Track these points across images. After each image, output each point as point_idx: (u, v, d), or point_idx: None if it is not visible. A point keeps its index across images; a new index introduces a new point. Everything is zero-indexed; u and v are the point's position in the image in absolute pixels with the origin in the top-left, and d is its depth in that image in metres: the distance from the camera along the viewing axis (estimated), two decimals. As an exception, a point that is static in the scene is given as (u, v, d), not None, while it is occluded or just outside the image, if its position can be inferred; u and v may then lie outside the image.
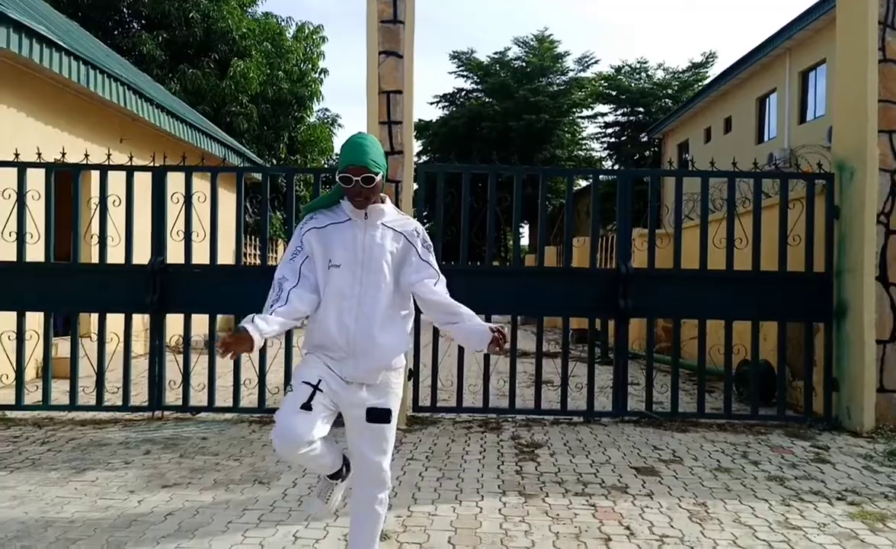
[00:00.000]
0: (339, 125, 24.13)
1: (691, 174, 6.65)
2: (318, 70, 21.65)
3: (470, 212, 6.45)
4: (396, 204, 6.15)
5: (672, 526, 3.86)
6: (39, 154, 6.49)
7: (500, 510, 4.09)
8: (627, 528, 3.83)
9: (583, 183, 30.72)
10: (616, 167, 34.44)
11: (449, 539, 3.64)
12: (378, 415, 2.73)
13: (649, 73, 34.99)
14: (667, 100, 33.37)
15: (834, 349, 6.35)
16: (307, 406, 2.64)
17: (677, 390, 6.47)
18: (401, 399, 2.86)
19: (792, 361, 6.98)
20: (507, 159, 28.67)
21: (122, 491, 4.36)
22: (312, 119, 22.45)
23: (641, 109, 34.51)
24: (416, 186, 7.86)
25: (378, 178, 2.68)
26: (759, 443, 5.73)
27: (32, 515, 3.92)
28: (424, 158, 37.71)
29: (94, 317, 6.53)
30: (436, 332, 6.75)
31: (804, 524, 3.92)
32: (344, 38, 59.99)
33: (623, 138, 35.96)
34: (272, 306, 2.64)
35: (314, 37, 21.88)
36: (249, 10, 21.56)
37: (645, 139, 32.43)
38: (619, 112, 35.91)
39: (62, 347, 8.19)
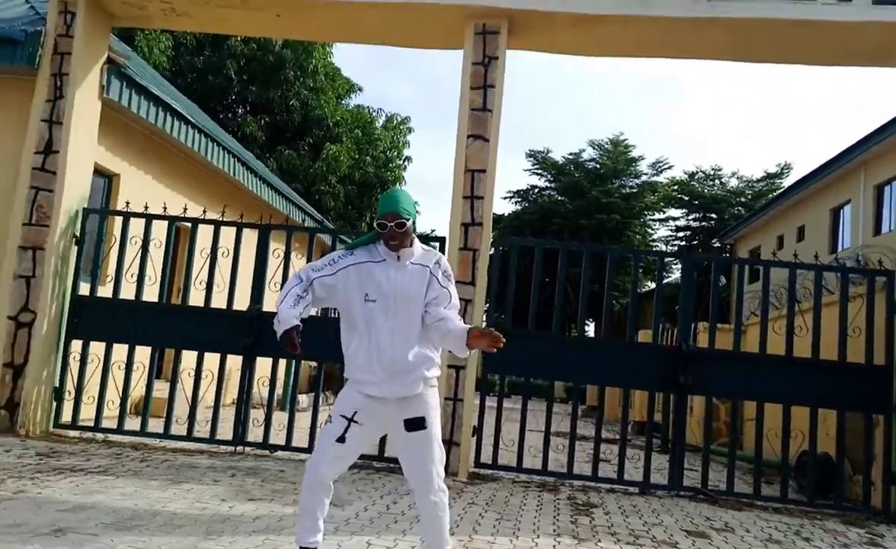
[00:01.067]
0: (417, 211, 25.24)
1: (752, 262, 7.01)
2: (403, 157, 23.05)
3: (539, 285, 6.97)
4: (473, 270, 6.75)
5: (716, 574, 4.10)
6: (165, 208, 7.42)
7: (554, 546, 4.41)
8: (673, 570, 4.09)
9: (650, 285, 30.88)
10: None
11: (506, 559, 4.00)
12: (414, 423, 3.12)
13: (723, 180, 35.22)
14: (740, 208, 33.40)
15: (893, 443, 6.43)
16: (341, 439, 3.14)
17: (734, 470, 6.64)
18: (439, 413, 3.26)
19: (852, 454, 7.04)
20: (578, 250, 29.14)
21: (214, 499, 4.90)
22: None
23: (714, 215, 34.57)
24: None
25: (409, 223, 3.13)
26: (814, 526, 5.83)
27: (141, 507, 4.50)
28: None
29: (193, 355, 7.23)
30: (500, 397, 7.17)
31: (847, 586, 4.09)
32: (423, 130, 62.85)
33: (694, 242, 35.94)
34: (298, 302, 3.15)
35: (401, 127, 23.38)
36: (344, 102, 23.29)
37: (717, 244, 32.38)
38: (690, 217, 36.06)
39: (158, 387, 8.95)
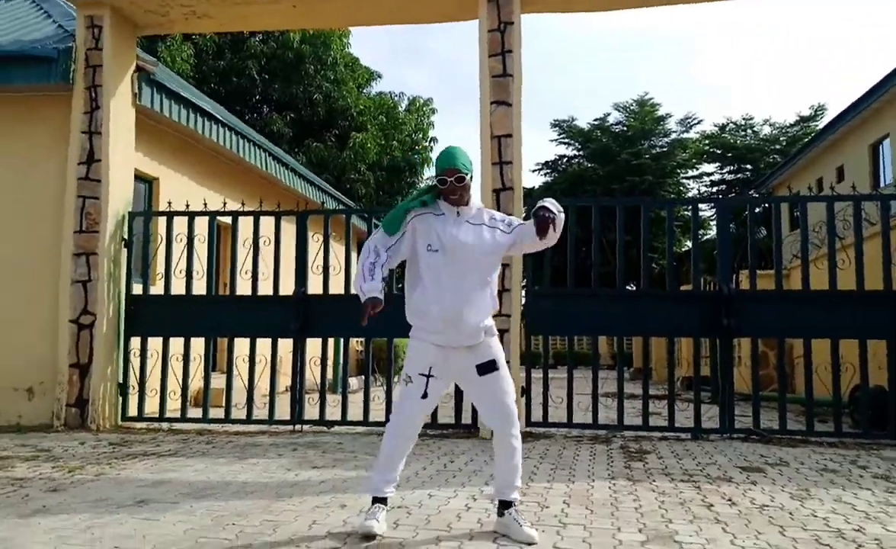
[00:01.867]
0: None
1: (786, 200, 6.98)
2: (429, 138, 23.18)
3: (575, 242, 7.03)
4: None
5: (773, 501, 4.17)
6: (206, 204, 7.67)
7: (609, 488, 4.53)
8: (730, 500, 4.18)
9: (688, 244, 30.56)
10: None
11: (564, 502, 4.13)
12: (486, 367, 3.34)
13: (755, 129, 34.53)
14: (775, 155, 32.75)
15: (946, 367, 6.38)
16: (425, 395, 3.34)
17: (785, 408, 6.66)
18: (505, 364, 3.44)
19: (905, 384, 6.98)
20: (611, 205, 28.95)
21: (280, 469, 5.13)
22: (423, 185, 23.89)
23: (749, 166, 33.96)
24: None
25: (468, 178, 3.32)
26: (870, 455, 5.83)
27: (213, 479, 4.74)
28: (528, 223, 38.32)
29: (247, 342, 7.49)
30: (546, 354, 7.28)
31: (905, 502, 4.13)
32: (448, 118, 62.65)
33: (731, 195, 35.38)
34: (374, 270, 3.33)
35: (424, 108, 23.48)
36: (365, 90, 23.47)
37: (754, 195, 31.85)
38: (725, 170, 35.46)
39: (214, 379, 9.26)
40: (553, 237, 3.34)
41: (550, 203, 3.30)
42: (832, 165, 22.03)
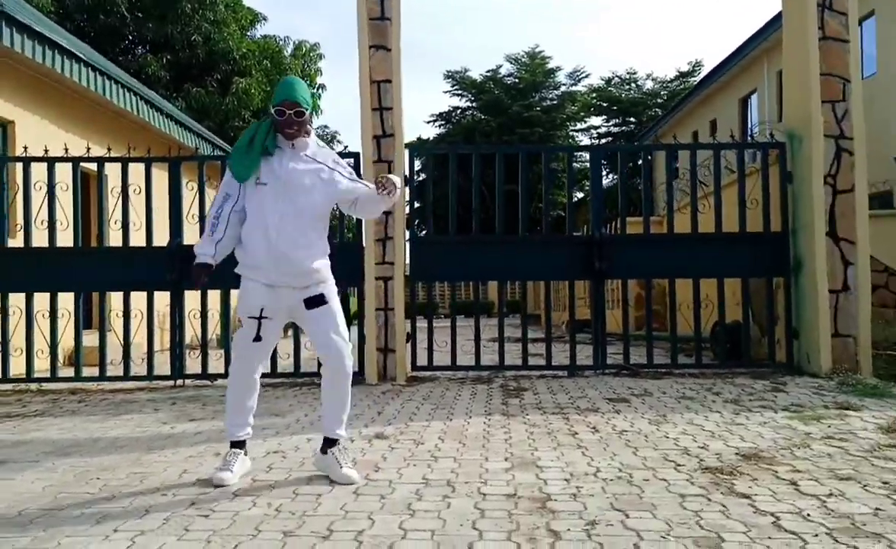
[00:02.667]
0: (338, 141, 24.98)
1: (656, 147, 7.32)
2: (316, 86, 22.51)
3: (457, 189, 7.12)
4: (390, 181, 6.82)
5: (632, 426, 4.48)
6: (67, 149, 7.18)
7: (484, 423, 4.70)
8: (594, 428, 4.44)
9: (579, 195, 31.61)
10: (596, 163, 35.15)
11: (439, 437, 4.26)
12: (314, 301, 3.29)
13: (639, 83, 35.86)
14: (657, 109, 34.17)
15: (793, 301, 6.97)
16: (258, 338, 3.27)
17: (652, 345, 7.11)
18: (338, 298, 3.44)
19: (758, 319, 7.60)
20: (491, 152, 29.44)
21: (155, 423, 4.99)
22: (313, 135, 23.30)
23: (633, 119, 35.32)
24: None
25: (307, 113, 3.25)
26: (724, 383, 6.33)
27: (81, 437, 4.55)
28: (423, 176, 38.43)
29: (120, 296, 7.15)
30: (430, 301, 7.40)
31: (747, 423, 4.53)
32: (340, 64, 61.10)
33: (603, 143, 36.73)
34: (216, 226, 3.27)
35: (311, 54, 22.78)
36: (249, 33, 22.44)
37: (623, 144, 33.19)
38: (610, 123, 36.73)
39: (88, 337, 8.81)
40: (389, 201, 3.34)
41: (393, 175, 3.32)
42: (706, 118, 23.27)
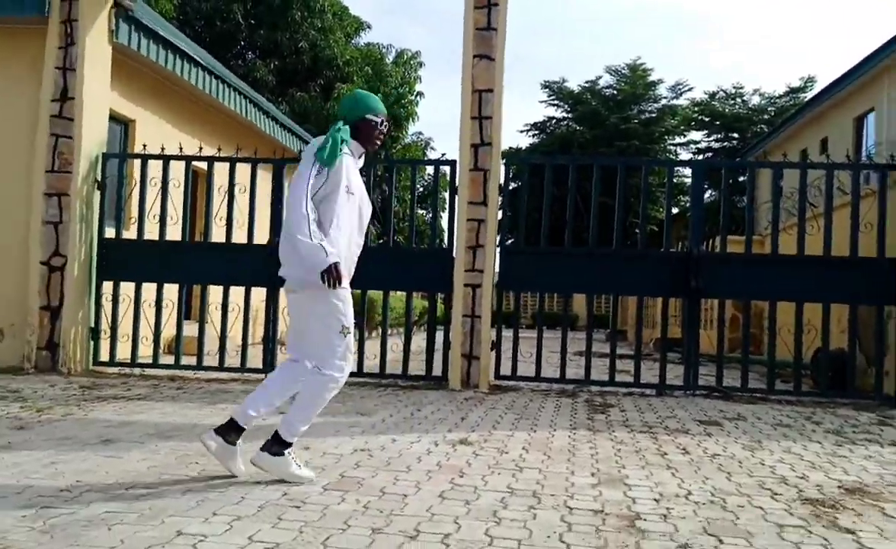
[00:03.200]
0: (432, 148, 25.29)
1: (760, 165, 7.05)
2: (415, 93, 22.94)
3: (551, 200, 7.07)
4: (484, 190, 6.87)
5: (725, 450, 4.31)
6: (181, 148, 7.60)
7: (569, 436, 4.64)
8: (684, 450, 4.30)
9: (674, 210, 30.70)
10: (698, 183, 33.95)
11: (523, 447, 4.23)
12: None
13: (745, 98, 34.48)
14: (762, 125, 32.76)
15: (906, 333, 6.53)
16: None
17: (747, 367, 6.82)
18: None
19: (865, 348, 7.16)
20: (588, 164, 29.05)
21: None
22: (408, 140, 23.73)
23: (736, 135, 34.01)
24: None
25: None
26: (825, 412, 6.00)
27: (181, 422, 4.79)
28: (513, 184, 38.34)
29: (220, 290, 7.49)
30: (517, 310, 7.37)
31: (850, 455, 4.27)
32: (440, 73, 61.87)
33: (706, 158, 35.48)
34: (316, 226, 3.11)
35: (412, 62, 23.21)
36: (353, 41, 23.13)
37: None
38: (712, 138, 35.49)
39: (187, 327, 9.27)
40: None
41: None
42: (817, 136, 22.07)
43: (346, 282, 3.22)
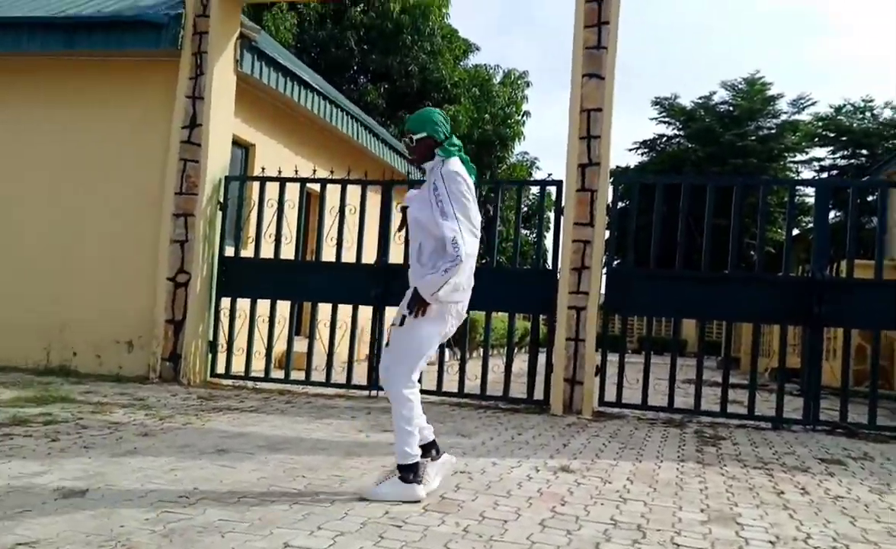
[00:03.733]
0: (538, 167, 25.22)
1: (893, 185, 6.56)
2: (521, 113, 23.00)
3: (662, 221, 6.87)
4: (591, 210, 6.76)
5: (849, 492, 4.01)
6: (297, 171, 7.95)
7: (677, 469, 4.46)
8: (803, 489, 4.04)
9: (794, 231, 29.03)
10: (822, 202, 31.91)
11: (628, 478, 4.11)
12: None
13: (874, 112, 32.25)
14: (895, 141, 30.53)
15: None
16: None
17: (875, 401, 6.33)
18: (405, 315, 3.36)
19: None
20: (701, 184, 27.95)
21: (352, 430, 5.33)
22: (513, 160, 23.77)
23: (865, 152, 31.83)
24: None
25: (417, 138, 3.38)
26: (969, 458, 5.47)
27: (290, 435, 4.98)
28: (622, 204, 37.53)
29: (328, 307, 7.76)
30: (623, 334, 7.20)
31: None
32: (546, 92, 61.74)
33: (831, 177, 33.32)
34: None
35: (518, 82, 23.31)
36: (462, 63, 23.51)
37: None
38: (837, 155, 33.36)
39: (297, 343, 9.63)
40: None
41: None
42: (957, 150, 20.39)
43: (454, 297, 3.34)
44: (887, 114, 31.88)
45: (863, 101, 32.99)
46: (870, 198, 24.96)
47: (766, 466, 4.70)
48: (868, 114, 32.49)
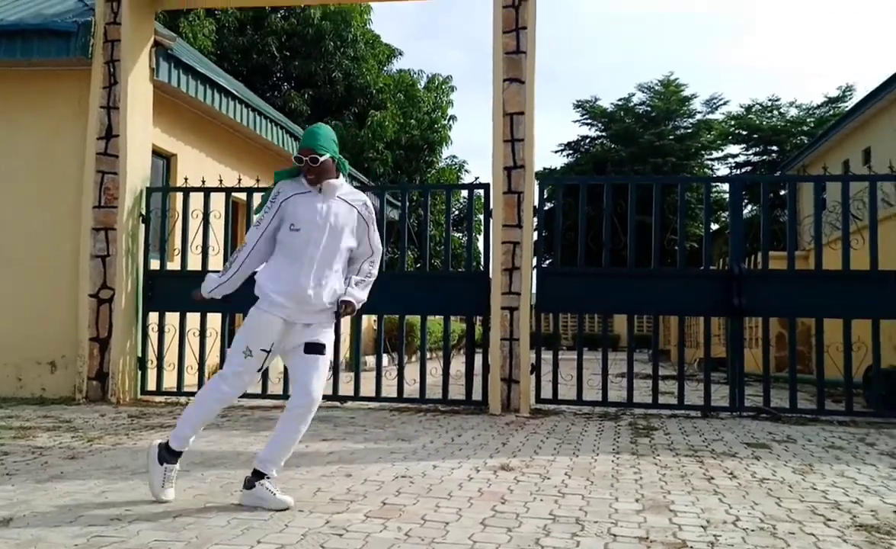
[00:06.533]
0: (466, 171, 25.40)
1: (801, 179, 6.93)
2: (447, 117, 23.13)
3: (587, 220, 7.04)
4: (519, 212, 6.86)
5: (774, 475, 4.20)
6: (221, 180, 7.77)
7: (612, 461, 4.58)
8: (731, 473, 4.21)
9: (714, 226, 30.26)
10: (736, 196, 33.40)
11: (566, 473, 4.19)
12: (313, 348, 3.38)
13: (782, 111, 33.96)
14: (802, 137, 32.21)
15: (961, 348, 6.32)
16: (262, 369, 3.42)
17: (795, 387, 6.65)
18: (331, 343, 3.51)
19: (920, 364, 6.94)
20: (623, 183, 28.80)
21: (290, 441, 5.23)
22: (442, 164, 23.88)
23: (774, 148, 33.47)
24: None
25: (322, 159, 3.33)
26: (880, 433, 5.82)
27: (226, 449, 4.87)
28: (549, 205, 38.20)
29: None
30: (556, 332, 7.33)
31: (908, 479, 4.13)
32: (473, 96, 62.26)
33: (744, 173, 34.91)
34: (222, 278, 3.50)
35: (443, 86, 23.42)
36: (386, 68, 23.46)
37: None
38: (750, 152, 34.97)
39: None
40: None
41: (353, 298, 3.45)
42: (859, 146, 21.59)
43: (266, 306, 3.35)
44: (793, 112, 33.58)
45: (769, 100, 34.67)
46: (783, 192, 26.22)
47: (697, 453, 4.88)
48: (776, 112, 34.15)
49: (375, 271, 3.62)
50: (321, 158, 3.33)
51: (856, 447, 5.16)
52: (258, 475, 3.35)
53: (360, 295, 3.50)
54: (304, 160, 3.35)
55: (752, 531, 3.04)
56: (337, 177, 3.45)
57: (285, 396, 7.31)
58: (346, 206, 3.45)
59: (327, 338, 3.44)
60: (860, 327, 6.66)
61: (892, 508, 3.44)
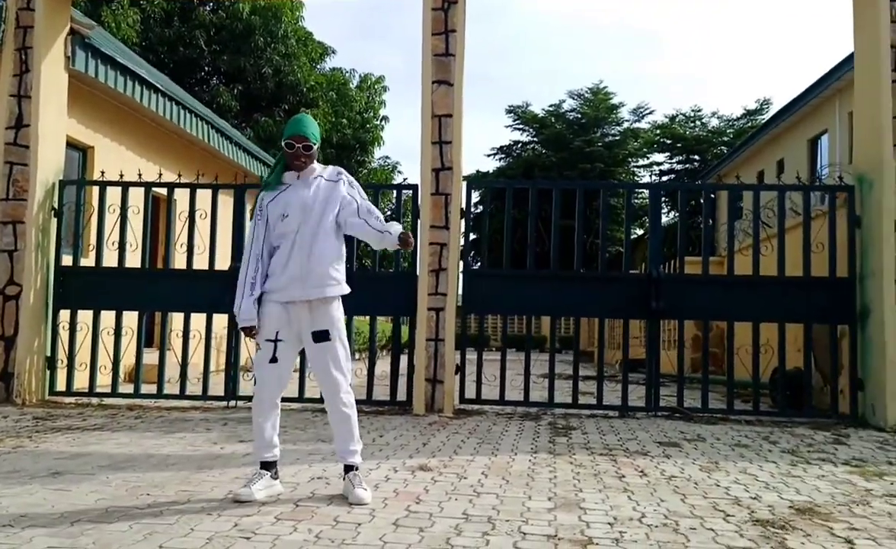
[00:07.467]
0: (399, 172, 25.39)
1: (715, 187, 7.20)
2: (380, 117, 23.03)
3: (513, 223, 7.13)
4: (446, 214, 6.90)
5: (682, 472, 4.35)
6: (140, 175, 7.52)
7: (530, 460, 4.65)
8: (642, 472, 4.34)
9: (639, 231, 31.16)
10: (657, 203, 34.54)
11: (483, 472, 4.23)
12: (319, 336, 3.51)
13: (703, 121, 35.30)
14: (722, 147, 33.52)
15: (858, 351, 6.69)
16: (273, 359, 3.49)
17: (707, 389, 6.91)
18: (343, 324, 3.62)
19: (821, 367, 7.31)
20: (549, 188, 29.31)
21: (206, 443, 5.11)
22: (374, 165, 23.77)
23: (696, 157, 34.74)
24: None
25: (314, 148, 3.56)
26: (783, 432, 6.10)
27: (135, 452, 4.70)
28: (481, 208, 38.55)
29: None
30: (482, 333, 7.40)
31: (804, 475, 4.35)
32: (407, 98, 62.22)
33: (662, 181, 36.11)
34: (255, 285, 3.53)
35: (376, 86, 23.32)
36: (319, 66, 23.18)
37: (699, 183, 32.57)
38: (674, 160, 36.18)
39: (148, 355, 9.10)
40: (393, 246, 3.66)
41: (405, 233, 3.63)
42: (773, 158, 22.66)
43: (265, 296, 3.54)
44: (714, 122, 34.94)
45: (692, 110, 35.98)
46: (702, 200, 27.07)
47: (611, 452, 5.01)
48: (698, 122, 35.46)
49: (378, 213, 3.71)
50: (314, 146, 3.56)
51: (760, 445, 5.40)
52: (346, 469, 3.57)
53: (392, 226, 3.64)
54: (296, 146, 3.51)
55: (656, 527, 3.14)
56: (312, 163, 3.66)
57: (205, 396, 7.18)
58: (326, 183, 3.63)
59: (329, 321, 3.53)
60: (768, 330, 6.97)
61: (787, 503, 3.61)
